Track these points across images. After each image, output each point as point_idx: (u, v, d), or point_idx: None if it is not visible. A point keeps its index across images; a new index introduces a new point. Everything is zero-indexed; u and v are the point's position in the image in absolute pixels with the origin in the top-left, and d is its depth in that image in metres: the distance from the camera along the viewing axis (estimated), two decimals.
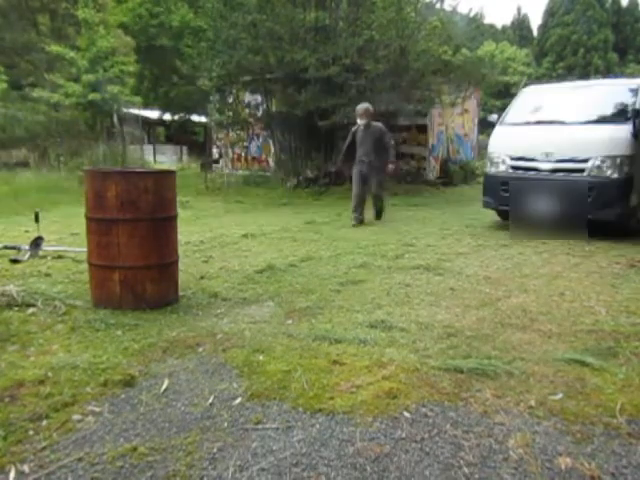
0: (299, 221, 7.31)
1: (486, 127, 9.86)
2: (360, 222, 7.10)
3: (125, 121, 19.41)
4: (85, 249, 3.66)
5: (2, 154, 14.92)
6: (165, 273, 3.55)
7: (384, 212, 7.50)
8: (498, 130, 6.99)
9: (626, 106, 6.16)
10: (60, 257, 4.87)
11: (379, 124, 7.32)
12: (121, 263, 3.38)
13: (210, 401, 2.27)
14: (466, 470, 1.81)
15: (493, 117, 7.59)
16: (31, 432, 2.01)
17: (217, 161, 16.84)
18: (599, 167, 5.86)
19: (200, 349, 2.81)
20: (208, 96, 14.11)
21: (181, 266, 3.88)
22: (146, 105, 23.05)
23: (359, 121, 7.15)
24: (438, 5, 12.69)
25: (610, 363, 2.61)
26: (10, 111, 16.66)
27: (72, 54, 18.12)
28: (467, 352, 2.75)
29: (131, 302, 3.38)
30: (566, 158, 6.05)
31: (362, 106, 7.24)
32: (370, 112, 7.18)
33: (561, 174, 6.08)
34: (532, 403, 2.23)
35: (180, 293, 3.69)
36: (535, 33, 42.19)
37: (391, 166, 7.31)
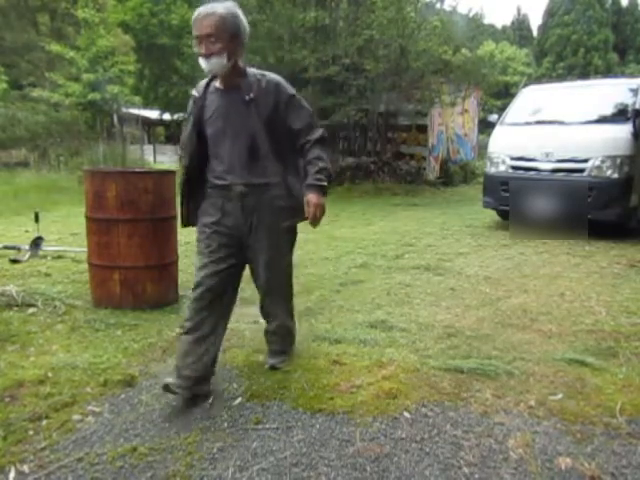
0: None
1: (486, 127, 9.85)
2: None
3: (125, 121, 19.41)
4: (85, 249, 3.66)
5: (2, 154, 14.91)
6: (165, 273, 3.55)
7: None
8: (498, 130, 6.99)
9: (626, 106, 6.15)
10: (60, 257, 4.87)
11: (274, 77, 2.36)
12: (121, 263, 3.38)
13: (210, 401, 2.27)
14: (466, 470, 1.81)
15: (493, 117, 7.58)
16: (31, 432, 2.01)
17: None
18: (599, 167, 5.85)
19: None
20: None
21: (181, 266, 3.88)
22: (146, 105, 23.03)
23: (206, 63, 2.19)
24: (438, 5, 12.71)
25: (610, 363, 2.61)
26: (10, 111, 16.66)
27: (72, 54, 18.11)
28: (467, 352, 2.75)
29: (131, 302, 3.38)
30: (566, 158, 6.05)
31: (211, 11, 2.15)
32: (238, 34, 2.23)
33: (561, 174, 6.08)
34: (532, 403, 2.23)
35: (180, 293, 3.69)
36: (535, 33, 42.19)
37: (316, 200, 2.23)
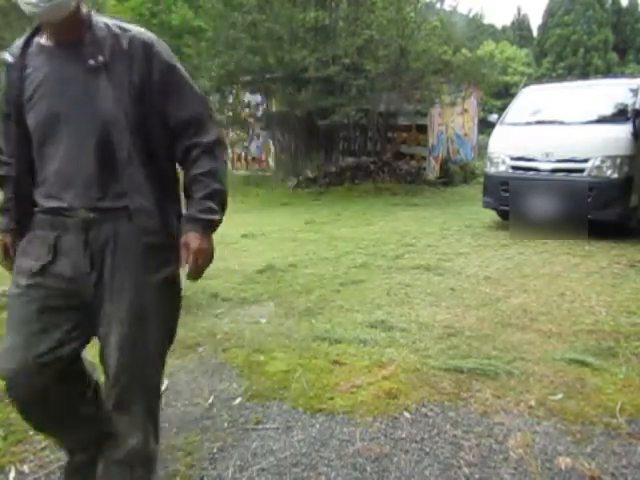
0: (299, 221, 7.31)
1: (486, 127, 9.85)
2: None
3: None
4: None
5: None
6: None
7: None
8: (498, 130, 6.99)
9: (626, 106, 6.15)
10: None
11: (143, 33, 1.43)
12: None
13: (210, 401, 2.27)
14: (466, 470, 1.81)
15: (493, 117, 7.58)
16: (31, 432, 2.01)
17: None
18: (599, 167, 5.85)
19: (200, 349, 2.81)
20: (208, 96, 14.12)
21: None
22: None
23: (38, 4, 1.24)
24: (438, 5, 12.70)
25: (610, 363, 2.61)
26: None
27: None
28: (467, 352, 2.75)
29: None
30: (566, 158, 6.04)
31: None
32: None
33: (561, 174, 6.08)
34: (532, 403, 2.23)
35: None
36: (535, 33, 42.21)
37: (197, 245, 1.39)
